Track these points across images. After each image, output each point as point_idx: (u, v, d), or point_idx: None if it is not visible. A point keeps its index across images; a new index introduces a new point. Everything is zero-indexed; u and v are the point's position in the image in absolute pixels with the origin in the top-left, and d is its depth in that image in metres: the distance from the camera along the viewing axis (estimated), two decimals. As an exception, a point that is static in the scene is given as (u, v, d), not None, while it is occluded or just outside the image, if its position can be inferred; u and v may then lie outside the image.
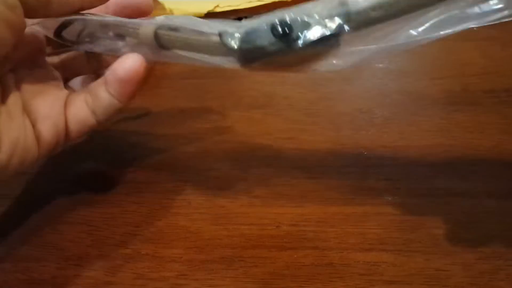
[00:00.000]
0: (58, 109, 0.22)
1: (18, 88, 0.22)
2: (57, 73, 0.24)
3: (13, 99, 0.21)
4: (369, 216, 0.23)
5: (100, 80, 0.23)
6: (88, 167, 0.28)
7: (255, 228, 0.23)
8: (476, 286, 0.19)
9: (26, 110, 0.22)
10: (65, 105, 0.23)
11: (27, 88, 0.22)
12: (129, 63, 0.22)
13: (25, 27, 0.19)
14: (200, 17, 0.43)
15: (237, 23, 0.20)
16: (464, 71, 0.33)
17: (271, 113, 0.31)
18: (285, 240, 0.22)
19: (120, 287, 0.20)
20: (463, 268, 0.20)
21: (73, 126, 0.23)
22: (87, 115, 0.23)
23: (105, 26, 0.22)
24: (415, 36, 0.19)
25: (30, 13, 0.19)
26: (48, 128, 0.22)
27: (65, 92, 0.23)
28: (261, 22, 0.20)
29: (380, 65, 0.36)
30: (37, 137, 0.21)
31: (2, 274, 0.22)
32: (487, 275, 0.20)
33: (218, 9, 0.39)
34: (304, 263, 0.21)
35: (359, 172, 0.26)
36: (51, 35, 0.23)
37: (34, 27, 0.22)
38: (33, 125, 0.22)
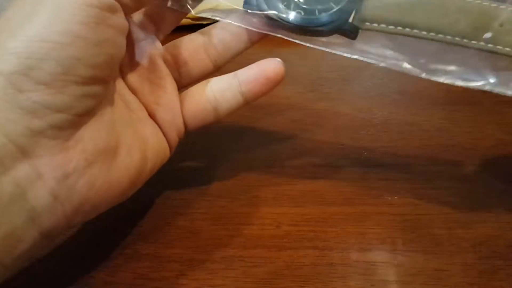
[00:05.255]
0: (176, 108, 0.22)
1: (134, 92, 0.21)
2: (159, 54, 0.22)
3: (137, 105, 0.21)
4: (369, 216, 0.23)
5: (227, 78, 0.22)
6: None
7: (255, 228, 0.23)
8: (476, 286, 0.19)
9: (149, 113, 0.21)
10: (182, 99, 0.22)
11: (141, 89, 0.21)
12: (276, 64, 0.22)
13: (127, 27, 0.19)
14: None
15: None
16: (464, 71, 0.33)
17: (271, 113, 0.31)
18: (285, 240, 0.22)
19: (120, 287, 0.20)
20: (463, 268, 0.20)
21: (191, 122, 0.23)
22: (209, 112, 0.22)
23: None
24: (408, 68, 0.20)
25: (126, 12, 0.19)
26: (171, 127, 0.22)
27: (174, 83, 0.22)
28: None
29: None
30: (166, 139, 0.22)
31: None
32: (487, 275, 0.20)
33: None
34: (304, 263, 0.21)
35: (359, 172, 0.26)
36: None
37: None
38: (160, 127, 0.22)
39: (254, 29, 0.21)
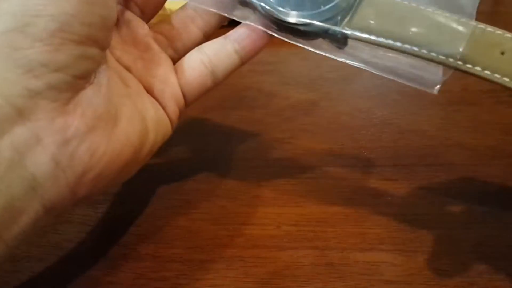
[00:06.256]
0: (172, 79, 0.22)
1: (128, 69, 0.21)
2: (148, 34, 0.22)
3: (133, 81, 0.20)
4: (369, 216, 0.23)
5: (219, 40, 0.22)
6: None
7: (255, 228, 0.23)
8: (476, 286, 0.19)
9: (145, 88, 0.21)
10: (177, 70, 0.22)
11: (134, 67, 0.21)
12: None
13: None
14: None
15: None
16: (464, 71, 0.33)
17: (271, 113, 0.31)
18: (285, 240, 0.22)
19: (120, 287, 0.20)
20: (463, 268, 0.20)
21: (191, 91, 0.22)
22: (206, 77, 0.22)
23: None
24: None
25: None
26: (170, 100, 0.21)
27: (168, 58, 0.22)
28: None
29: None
30: (166, 112, 0.21)
31: (2, 274, 0.22)
32: (487, 275, 0.20)
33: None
34: (304, 263, 0.21)
35: (359, 172, 0.26)
36: None
37: None
38: (158, 101, 0.21)
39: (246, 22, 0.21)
